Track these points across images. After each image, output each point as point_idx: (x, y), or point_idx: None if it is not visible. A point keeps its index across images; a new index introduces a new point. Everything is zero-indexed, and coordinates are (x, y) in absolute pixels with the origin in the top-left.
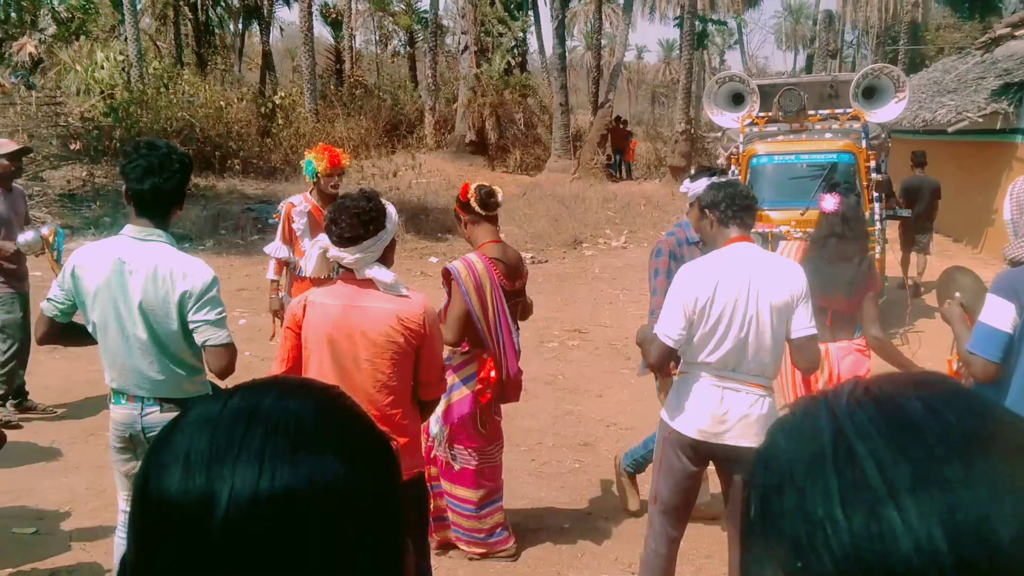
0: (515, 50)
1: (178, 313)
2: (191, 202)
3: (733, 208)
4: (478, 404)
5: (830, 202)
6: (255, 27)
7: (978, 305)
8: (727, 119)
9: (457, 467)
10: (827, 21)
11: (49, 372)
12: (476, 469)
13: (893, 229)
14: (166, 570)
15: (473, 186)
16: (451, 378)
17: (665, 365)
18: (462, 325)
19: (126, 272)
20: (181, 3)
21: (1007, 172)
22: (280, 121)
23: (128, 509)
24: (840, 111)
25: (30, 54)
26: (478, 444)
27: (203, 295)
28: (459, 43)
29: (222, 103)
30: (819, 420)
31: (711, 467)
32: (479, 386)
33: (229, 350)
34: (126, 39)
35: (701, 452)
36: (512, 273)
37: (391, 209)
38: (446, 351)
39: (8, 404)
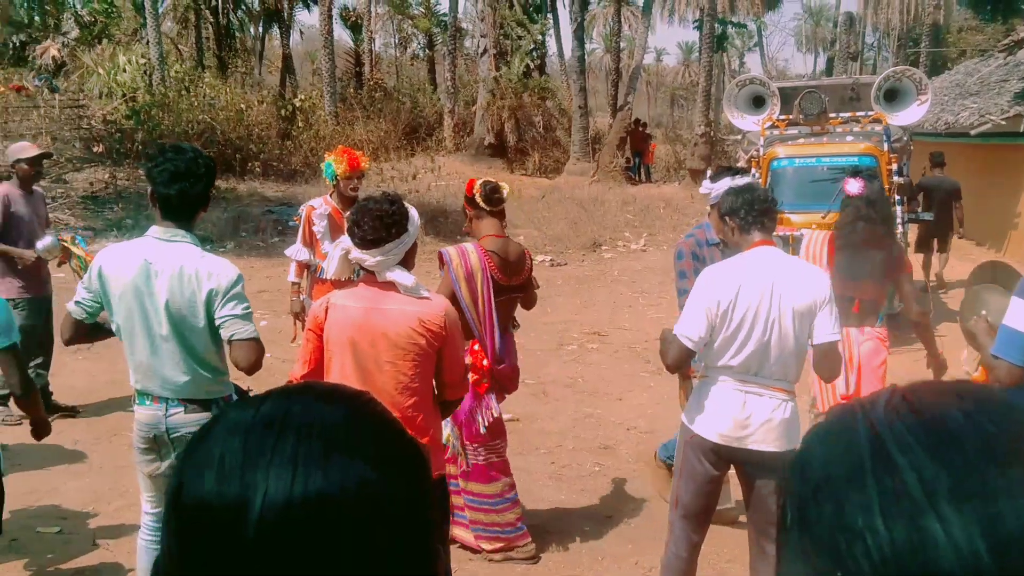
0: (534, 53)
1: (205, 312)
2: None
3: (752, 214)
4: (478, 396)
5: (854, 185)
6: (275, 30)
7: None
8: (747, 122)
9: (468, 464)
10: (848, 23)
11: (73, 373)
12: (486, 463)
13: (913, 233)
14: (200, 572)
15: (479, 182)
16: None
17: (683, 366)
18: None
19: (152, 273)
20: (202, 7)
21: None
22: (300, 124)
23: (151, 510)
24: (861, 114)
25: (53, 57)
26: (483, 439)
27: (229, 291)
28: (478, 46)
29: (242, 106)
30: (856, 429)
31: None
32: (475, 376)
33: (257, 345)
34: (148, 43)
35: (723, 456)
36: (509, 268)
37: (413, 212)
38: None
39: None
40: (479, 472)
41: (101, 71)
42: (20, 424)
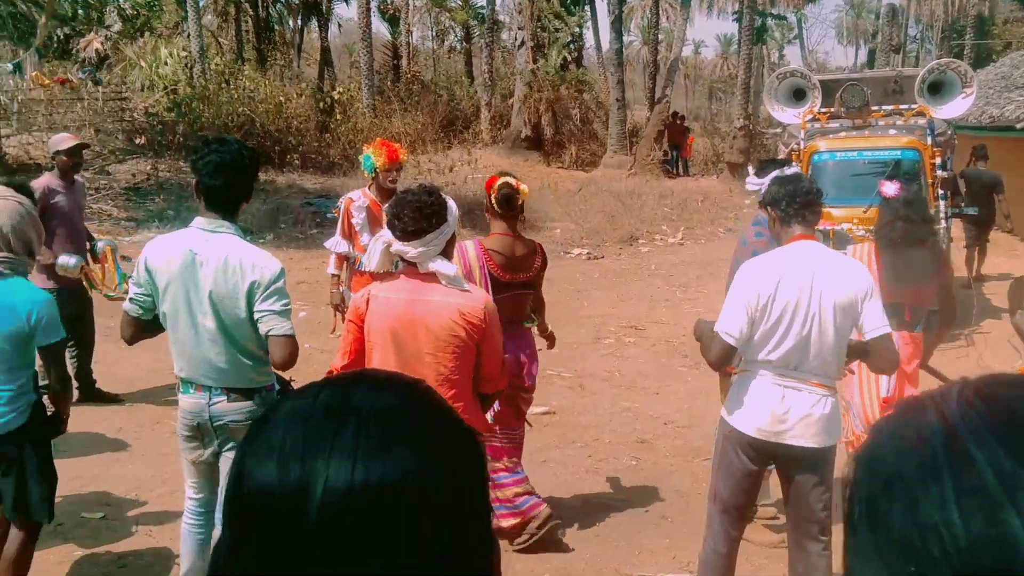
0: (571, 45)
1: (246, 303)
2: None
3: (794, 206)
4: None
5: (890, 187)
6: (314, 23)
7: None
8: (788, 115)
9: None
10: (890, 15)
11: (117, 362)
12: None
13: (958, 228)
14: (260, 557)
15: (498, 183)
16: None
17: (725, 363)
18: None
19: (197, 263)
20: (242, 0)
21: None
22: (338, 116)
23: (194, 496)
24: (905, 107)
25: (97, 50)
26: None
27: (270, 285)
28: (515, 38)
29: (281, 99)
30: (928, 423)
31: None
32: None
33: (291, 341)
34: (189, 36)
35: (761, 451)
36: (513, 264)
37: (451, 203)
38: None
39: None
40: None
41: (143, 64)
42: None
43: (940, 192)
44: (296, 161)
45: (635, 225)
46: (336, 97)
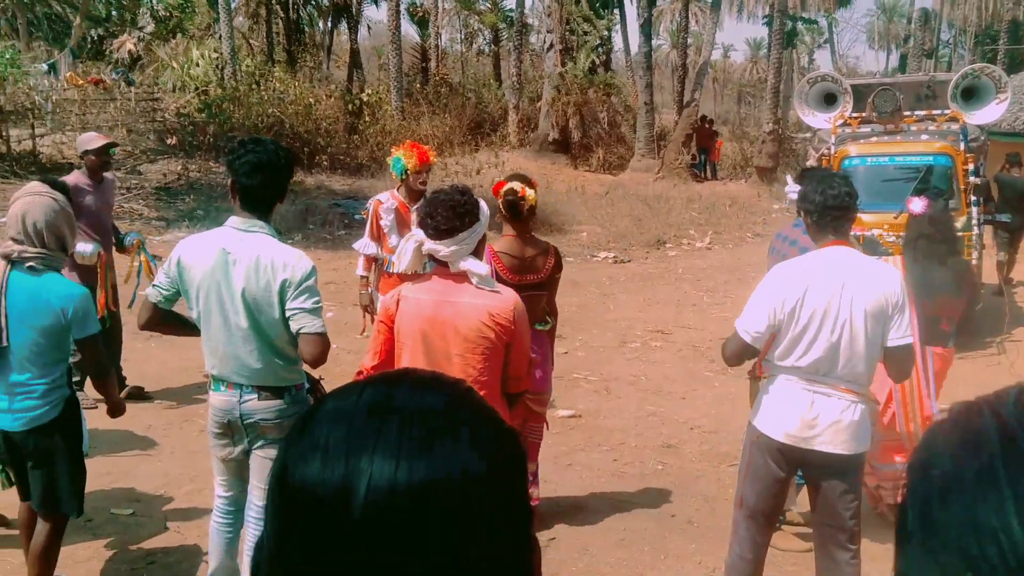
0: (600, 48)
1: (279, 302)
2: None
3: (826, 217)
4: None
5: (917, 205)
6: (343, 26)
7: None
8: (819, 119)
9: None
10: (923, 19)
11: (145, 359)
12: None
13: (989, 234)
14: (304, 554)
15: (504, 188)
16: None
17: (740, 361)
18: None
19: (230, 262)
20: (273, 2)
21: None
22: (367, 118)
23: (223, 494)
24: (938, 112)
25: (130, 51)
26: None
27: (302, 283)
28: (544, 41)
29: (311, 100)
30: (984, 427)
31: None
32: None
33: (323, 339)
34: (220, 37)
35: (789, 457)
36: (520, 267)
37: (483, 203)
38: None
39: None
40: None
41: (175, 65)
42: (95, 407)
43: (972, 198)
44: (325, 162)
45: (662, 229)
46: (365, 99)
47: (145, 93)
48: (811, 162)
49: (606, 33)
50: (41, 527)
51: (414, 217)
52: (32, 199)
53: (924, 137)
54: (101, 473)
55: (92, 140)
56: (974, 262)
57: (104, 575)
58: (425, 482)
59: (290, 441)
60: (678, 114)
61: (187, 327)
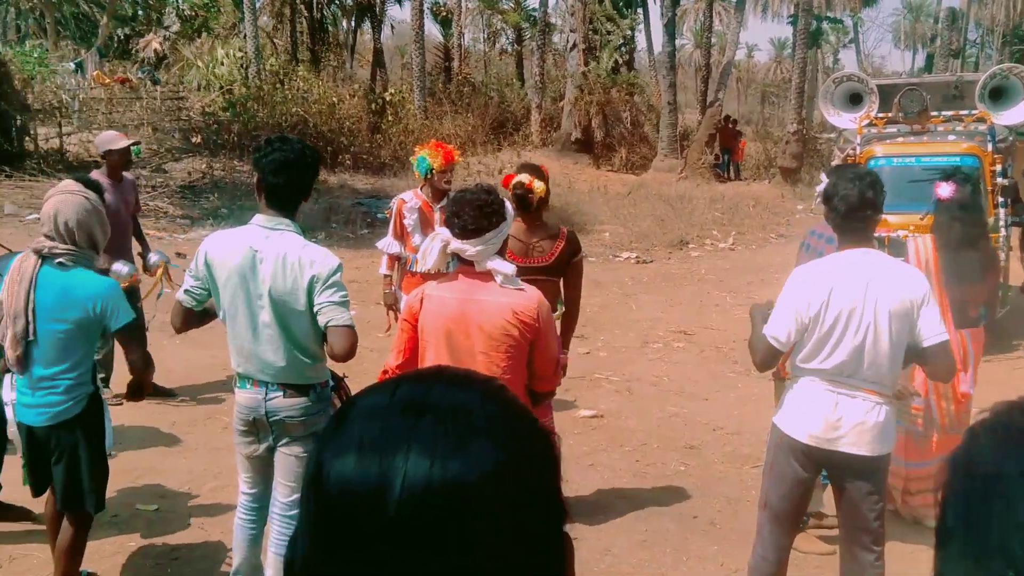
0: (623, 48)
1: (306, 299)
2: None
3: (848, 221)
4: None
5: (946, 189)
6: (367, 25)
7: None
8: (844, 119)
9: None
10: (950, 19)
11: (171, 357)
12: None
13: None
14: (339, 550)
15: (513, 182)
16: None
17: (770, 366)
18: None
19: (256, 260)
20: (297, 1)
21: None
22: (390, 118)
23: (248, 491)
24: (965, 112)
25: (155, 51)
26: None
27: (329, 278)
28: (567, 41)
29: (334, 99)
30: None
31: None
32: None
33: (352, 332)
34: (245, 36)
35: (813, 458)
36: (523, 249)
37: (507, 203)
38: None
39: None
40: None
41: (200, 64)
42: (120, 404)
43: (1000, 199)
44: (348, 161)
45: (685, 229)
46: (388, 98)
47: (170, 92)
48: (836, 162)
49: (629, 32)
50: (66, 525)
51: (437, 216)
52: (64, 197)
53: (951, 138)
54: (126, 469)
55: (115, 140)
56: (1001, 263)
57: (129, 570)
58: (460, 480)
59: (325, 438)
60: (701, 114)
61: (214, 314)
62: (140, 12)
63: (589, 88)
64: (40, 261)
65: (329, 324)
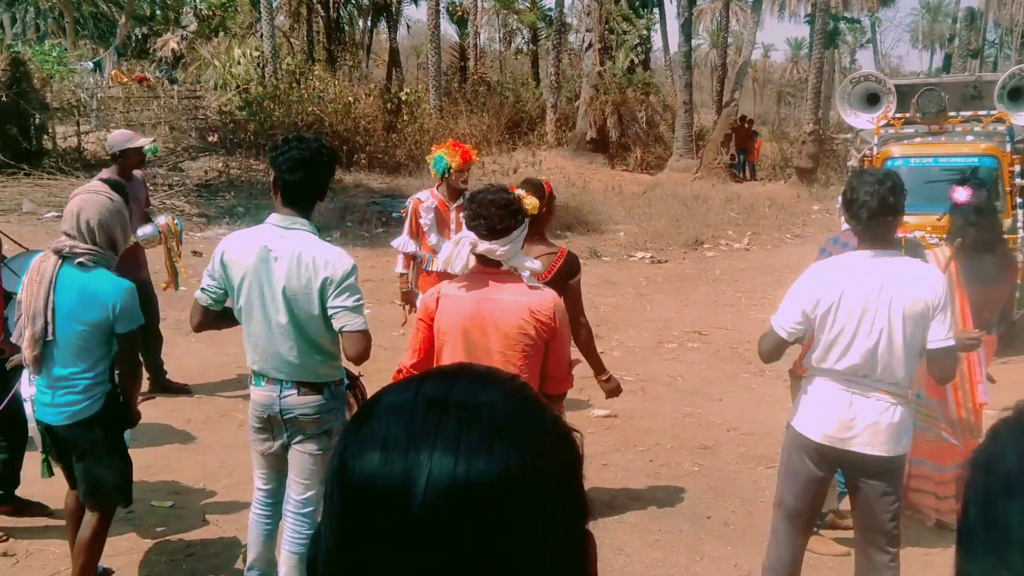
0: (639, 48)
1: (319, 299)
2: None
3: (870, 227)
4: None
5: (962, 193)
6: (383, 25)
7: None
8: (861, 120)
9: None
10: (969, 19)
11: (186, 354)
12: None
13: None
14: (363, 547)
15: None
16: None
17: (775, 357)
18: None
19: (271, 259)
20: (314, 1)
21: None
22: (405, 117)
23: (263, 487)
24: (983, 113)
25: (173, 50)
26: None
27: (342, 282)
28: (583, 40)
29: (350, 99)
30: None
31: None
32: None
33: (365, 336)
34: (262, 36)
35: (827, 457)
36: None
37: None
38: None
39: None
40: None
41: (217, 63)
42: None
43: (1019, 200)
44: (363, 161)
45: (700, 229)
46: (403, 98)
47: (187, 91)
48: (853, 163)
49: (645, 32)
50: (88, 518)
51: (453, 216)
52: (88, 197)
53: (969, 138)
54: (141, 466)
55: (131, 139)
56: (1020, 266)
57: (144, 566)
58: (484, 477)
59: (349, 434)
60: (717, 114)
61: (235, 319)
62: (158, 12)
63: (604, 88)
64: (60, 261)
65: (343, 329)
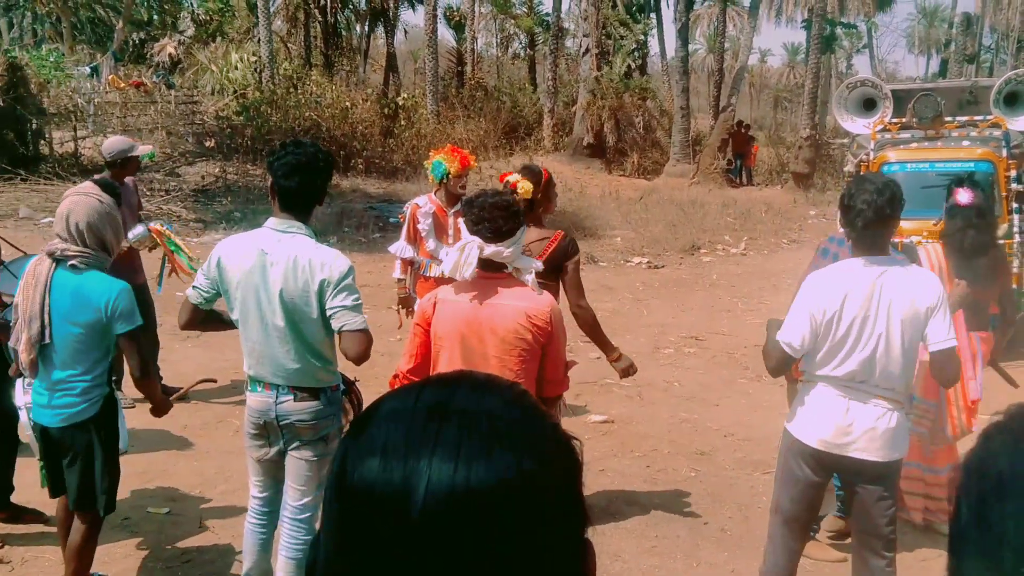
0: (636, 53)
1: (317, 302)
2: None
3: (865, 234)
4: None
5: (964, 195)
6: (380, 30)
7: None
8: (857, 125)
9: None
10: (965, 24)
11: (183, 360)
12: None
13: None
14: (361, 554)
15: (504, 180)
16: None
17: (783, 372)
18: None
19: (268, 263)
20: (311, 6)
21: None
22: (402, 122)
23: (258, 495)
24: (979, 118)
25: (170, 55)
26: None
27: (340, 282)
28: (580, 45)
29: (347, 104)
30: None
31: None
32: None
33: (366, 335)
34: (259, 41)
35: (823, 463)
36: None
37: None
38: None
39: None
40: None
41: (214, 68)
42: (133, 407)
43: (1014, 206)
44: (360, 166)
45: (697, 234)
46: (401, 103)
47: (185, 96)
48: (849, 168)
49: (642, 37)
50: (77, 526)
51: (451, 221)
52: (78, 199)
53: (965, 143)
54: (137, 472)
55: (132, 147)
56: (1015, 271)
57: (140, 573)
58: (484, 484)
59: (348, 441)
60: (714, 119)
61: (226, 323)
62: (155, 17)
63: (601, 93)
64: (54, 264)
65: (343, 329)
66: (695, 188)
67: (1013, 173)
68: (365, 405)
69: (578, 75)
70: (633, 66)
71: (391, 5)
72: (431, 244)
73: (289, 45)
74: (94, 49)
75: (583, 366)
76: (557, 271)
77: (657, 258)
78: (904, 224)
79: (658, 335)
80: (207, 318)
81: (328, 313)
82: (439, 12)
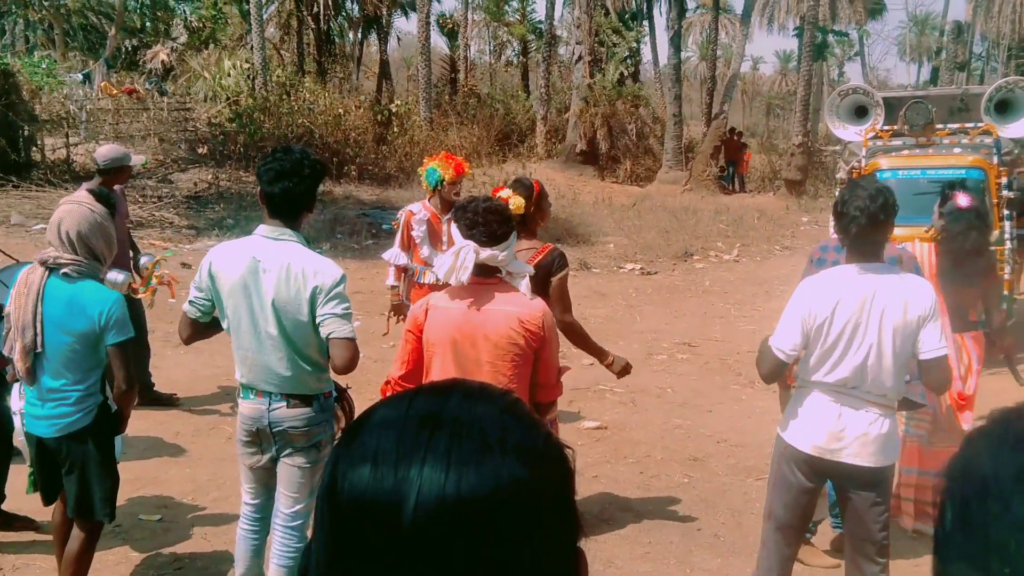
0: (628, 60)
1: (309, 309)
2: None
3: (858, 241)
4: None
5: (964, 199)
6: (374, 37)
7: None
8: (849, 132)
9: None
10: (956, 32)
11: (175, 367)
12: None
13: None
14: (353, 562)
15: (496, 195)
16: None
17: (776, 378)
18: None
19: (260, 270)
20: (304, 13)
21: None
22: (395, 129)
23: (251, 502)
24: (970, 125)
25: (163, 62)
26: None
27: (332, 290)
28: (572, 53)
29: (340, 110)
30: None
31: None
32: None
33: (353, 344)
34: (252, 48)
35: (816, 468)
36: None
37: None
38: None
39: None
40: None
41: (207, 75)
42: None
43: (1005, 212)
44: (353, 172)
45: (689, 241)
46: (394, 110)
47: (177, 103)
48: (841, 175)
49: (635, 45)
50: (76, 533)
51: (445, 228)
52: (70, 208)
53: (957, 150)
54: (129, 479)
55: (128, 155)
56: (1007, 277)
57: None
58: (475, 493)
59: (340, 449)
60: (706, 126)
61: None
62: (148, 24)
63: (594, 100)
64: (47, 273)
65: (331, 336)
66: (688, 195)
67: (1004, 180)
68: (357, 412)
69: (571, 82)
70: (626, 73)
71: (384, 12)
72: (425, 251)
73: (282, 52)
74: (86, 56)
75: (576, 372)
76: (543, 285)
77: (650, 264)
78: (896, 231)
79: (651, 341)
80: (208, 327)
81: (317, 320)
82: (432, 19)
